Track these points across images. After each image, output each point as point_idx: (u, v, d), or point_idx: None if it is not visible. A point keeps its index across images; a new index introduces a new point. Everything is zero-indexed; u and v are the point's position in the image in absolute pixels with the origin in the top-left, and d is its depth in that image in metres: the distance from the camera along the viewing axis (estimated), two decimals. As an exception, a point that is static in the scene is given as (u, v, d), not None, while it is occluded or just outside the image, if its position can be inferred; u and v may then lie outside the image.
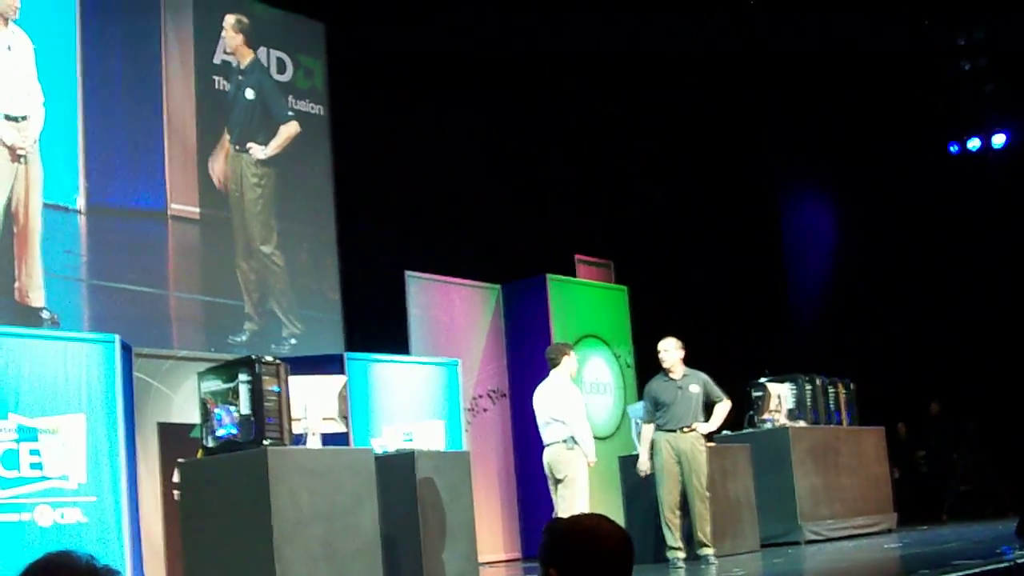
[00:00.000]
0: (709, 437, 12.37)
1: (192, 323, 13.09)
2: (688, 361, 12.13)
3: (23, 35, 11.78)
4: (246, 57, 14.04)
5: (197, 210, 13.28)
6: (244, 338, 13.29)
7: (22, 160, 11.57)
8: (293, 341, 13.72)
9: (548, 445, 11.18)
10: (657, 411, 11.99)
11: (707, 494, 11.88)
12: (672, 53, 18.15)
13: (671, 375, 12.04)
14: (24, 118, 11.61)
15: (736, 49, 18.35)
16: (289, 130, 14.23)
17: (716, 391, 12.09)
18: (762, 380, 14.20)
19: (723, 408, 12.10)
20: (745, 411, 13.89)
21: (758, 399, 14.00)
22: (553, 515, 11.10)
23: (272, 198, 14.00)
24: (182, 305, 13.02)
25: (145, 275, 12.70)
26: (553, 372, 11.38)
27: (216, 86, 13.70)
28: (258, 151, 13.86)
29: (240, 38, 13.98)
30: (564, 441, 11.03)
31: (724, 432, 13.43)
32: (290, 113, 14.29)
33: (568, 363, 11.36)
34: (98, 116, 12.44)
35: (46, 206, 11.81)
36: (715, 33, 17.99)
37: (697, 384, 11.99)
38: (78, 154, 12.22)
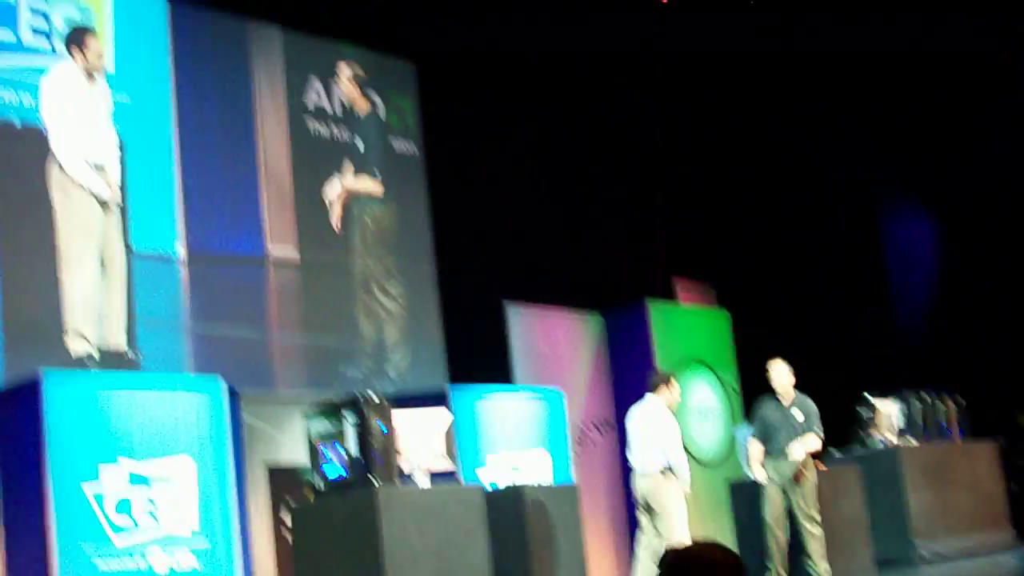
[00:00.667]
0: (818, 458, 12.28)
1: (295, 364, 13.18)
2: (794, 382, 12.05)
3: (105, 86, 11.95)
4: (361, 105, 14.16)
5: (296, 253, 13.37)
6: (348, 377, 13.33)
7: (111, 209, 11.73)
8: (396, 377, 13.75)
9: (643, 474, 11.10)
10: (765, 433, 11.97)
11: (816, 516, 11.78)
12: (766, 71, 18.08)
13: (781, 399, 11.99)
14: (106, 167, 11.78)
15: (829, 62, 18.21)
16: (369, 184, 14.26)
17: (814, 423, 11.98)
18: (870, 398, 14.06)
19: (814, 441, 11.95)
20: (853, 430, 13.75)
21: (867, 418, 13.87)
22: (642, 544, 11.05)
23: (381, 237, 14.08)
24: (284, 347, 13.10)
25: (247, 319, 12.81)
26: (650, 396, 11.29)
27: (310, 131, 13.81)
28: (351, 182, 13.91)
29: (356, 89, 14.12)
30: (662, 472, 10.95)
31: (833, 453, 13.35)
32: (375, 170, 14.27)
33: (666, 392, 11.26)
34: (194, 165, 12.58)
35: (146, 256, 11.96)
36: (804, 44, 17.89)
37: (802, 412, 11.92)
38: (176, 203, 12.36)
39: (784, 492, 11.82)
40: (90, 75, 11.76)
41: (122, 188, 11.86)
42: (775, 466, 11.88)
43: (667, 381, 11.31)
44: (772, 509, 11.84)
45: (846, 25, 17.49)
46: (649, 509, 11.03)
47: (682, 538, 10.69)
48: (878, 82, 18.54)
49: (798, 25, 17.69)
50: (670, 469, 10.94)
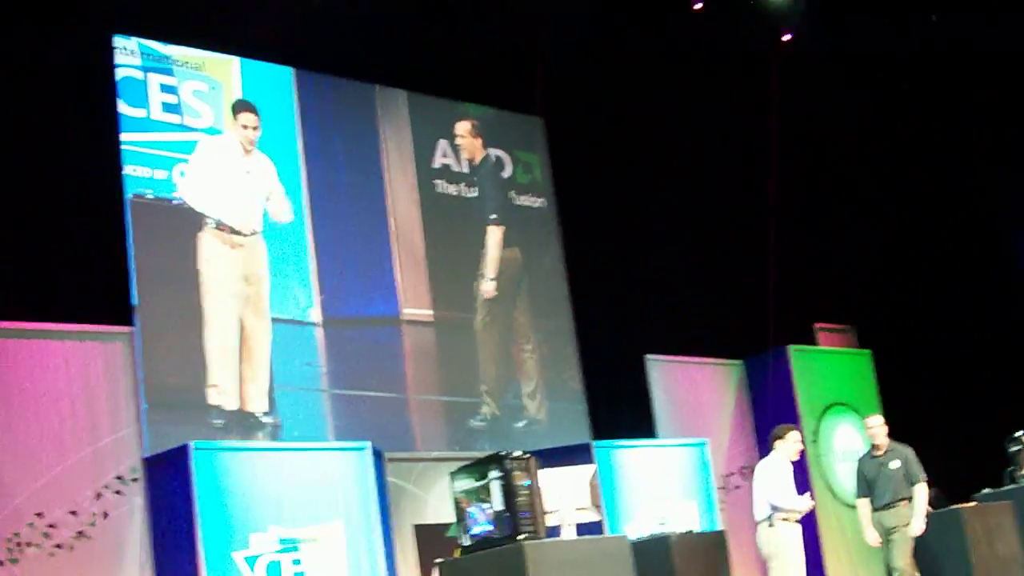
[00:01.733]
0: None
1: (434, 424, 13.25)
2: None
3: (265, 160, 12.29)
4: (478, 156, 14.33)
5: (430, 312, 13.51)
6: (489, 434, 13.39)
7: (258, 276, 12.01)
8: (539, 433, 13.77)
9: (757, 525, 11.11)
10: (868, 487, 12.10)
11: (903, 568, 11.74)
12: (895, 109, 17.95)
13: (876, 452, 12.07)
14: (254, 234, 12.08)
15: (962, 96, 18.01)
16: (495, 236, 14.31)
17: (914, 470, 12.02)
18: (1018, 434, 13.79)
19: (920, 493, 11.93)
20: (1004, 467, 13.50)
21: (1016, 453, 13.59)
22: None
23: (515, 293, 14.18)
24: (423, 407, 13.20)
25: (384, 381, 12.93)
26: (772, 453, 11.32)
27: (437, 189, 13.95)
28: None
29: (479, 141, 14.32)
30: (767, 519, 10.92)
31: (984, 491, 13.16)
32: (492, 216, 14.34)
33: (782, 446, 11.25)
34: (327, 230, 12.82)
35: (283, 321, 12.19)
36: (939, 81, 17.74)
37: (898, 459, 11.99)
38: (310, 269, 12.58)
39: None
40: (245, 148, 12.10)
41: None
42: (879, 519, 11.98)
43: (780, 436, 11.31)
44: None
45: (976, 53, 17.29)
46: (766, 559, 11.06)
47: None
48: (1011, 109, 18.24)
49: (928, 59, 17.53)
50: (771, 517, 10.86)
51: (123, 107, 11.55)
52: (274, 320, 12.14)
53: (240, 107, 12.30)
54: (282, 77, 12.94)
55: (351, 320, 12.82)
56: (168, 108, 11.91)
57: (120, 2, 11.69)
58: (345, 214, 13.09)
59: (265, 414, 11.78)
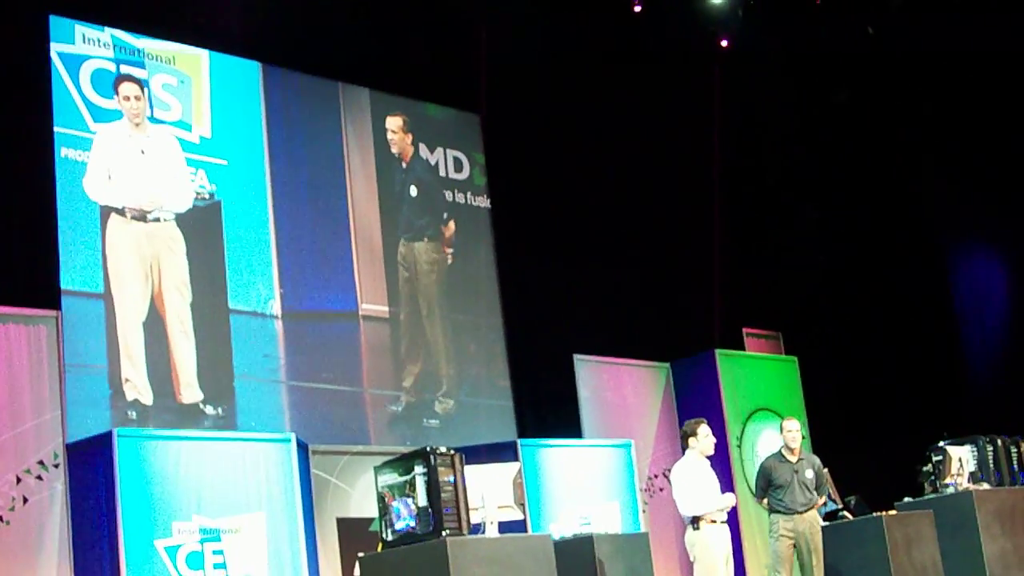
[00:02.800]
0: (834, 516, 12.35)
1: (387, 418, 13.36)
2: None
3: (163, 136, 12.19)
4: (408, 152, 14.31)
5: (386, 308, 13.65)
6: (425, 430, 13.44)
7: (173, 259, 11.94)
8: (467, 430, 13.79)
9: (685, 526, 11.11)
10: (772, 492, 11.94)
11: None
12: (827, 115, 18.08)
13: (788, 457, 11.97)
14: (157, 220, 11.94)
15: (893, 105, 18.16)
16: (450, 230, 14.52)
17: (824, 481, 12.05)
18: (941, 444, 13.92)
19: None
20: (925, 476, 13.62)
21: (938, 463, 13.70)
22: None
23: (444, 288, 14.22)
24: (377, 401, 13.29)
25: (341, 374, 13.08)
26: (687, 452, 11.25)
27: (396, 186, 14.04)
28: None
29: (409, 137, 14.33)
30: (690, 524, 10.89)
31: (906, 499, 13.26)
32: (445, 215, 14.50)
33: (695, 443, 11.16)
34: (289, 224, 12.96)
35: (243, 313, 12.34)
36: (871, 87, 17.88)
37: (811, 469, 11.92)
38: (271, 261, 12.69)
39: (797, 550, 11.77)
40: (133, 122, 11.97)
41: (215, 244, 12.32)
42: (794, 523, 11.85)
43: (693, 432, 11.20)
44: (785, 569, 11.82)
45: (912, 66, 17.44)
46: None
47: None
48: (944, 123, 18.41)
49: (865, 71, 17.68)
50: (694, 520, 10.84)
51: (94, 97, 11.60)
52: (235, 311, 12.27)
53: (119, 80, 12.03)
54: (249, 72, 13.00)
55: (310, 314, 12.92)
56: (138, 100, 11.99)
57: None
58: (307, 209, 13.24)
59: (203, 403, 11.77)
